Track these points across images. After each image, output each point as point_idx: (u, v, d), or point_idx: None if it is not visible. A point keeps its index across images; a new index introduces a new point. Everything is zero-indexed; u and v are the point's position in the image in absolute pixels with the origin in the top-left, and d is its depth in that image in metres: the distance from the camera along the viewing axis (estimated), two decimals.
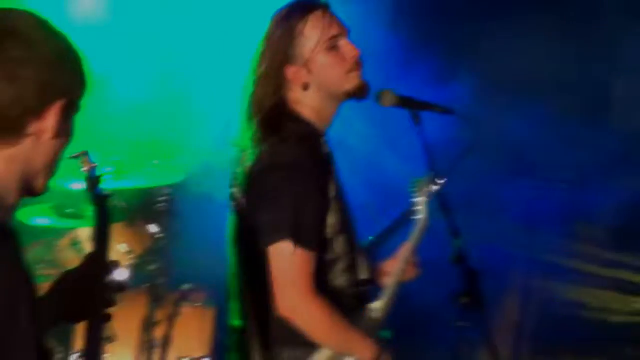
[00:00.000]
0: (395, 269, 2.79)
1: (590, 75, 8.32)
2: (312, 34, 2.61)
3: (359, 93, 2.66)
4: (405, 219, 3.55)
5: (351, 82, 2.62)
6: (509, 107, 7.04)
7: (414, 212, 2.83)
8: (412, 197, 2.83)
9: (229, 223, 2.80)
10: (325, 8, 2.73)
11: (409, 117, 2.55)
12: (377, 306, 2.74)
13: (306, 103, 2.67)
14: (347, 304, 2.66)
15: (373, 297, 2.81)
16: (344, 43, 2.64)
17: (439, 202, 2.41)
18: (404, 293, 2.87)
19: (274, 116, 2.60)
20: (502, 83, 7.62)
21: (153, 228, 5.76)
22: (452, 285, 2.36)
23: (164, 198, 5.85)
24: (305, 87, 2.65)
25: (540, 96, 7.70)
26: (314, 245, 2.45)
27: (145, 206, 5.84)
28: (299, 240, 2.37)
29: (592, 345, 7.86)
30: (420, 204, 2.81)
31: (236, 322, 2.79)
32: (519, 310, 6.78)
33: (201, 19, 6.77)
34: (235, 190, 2.73)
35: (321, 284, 2.50)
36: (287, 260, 2.37)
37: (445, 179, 2.50)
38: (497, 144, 6.95)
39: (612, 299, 9.06)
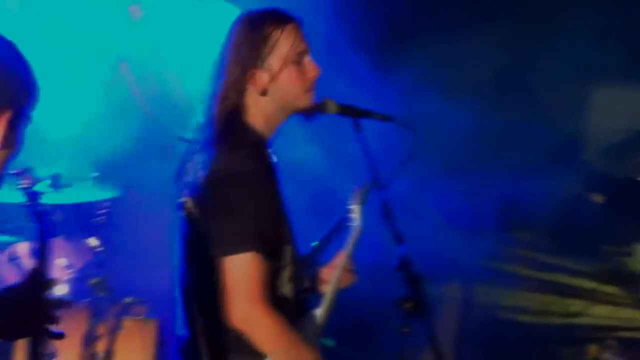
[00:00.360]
0: (333, 276, 2.81)
1: (526, 76, 8.48)
2: (284, 44, 2.61)
3: (309, 112, 2.68)
4: (341, 227, 3.60)
5: (306, 101, 2.63)
6: (443, 109, 7.13)
7: (349, 219, 2.88)
8: (349, 204, 2.86)
9: (176, 232, 2.77)
10: (299, 22, 2.75)
11: (351, 125, 2.59)
12: (317, 314, 2.76)
13: (259, 109, 2.65)
14: (291, 312, 2.67)
15: (313, 304, 2.82)
16: (308, 60, 2.66)
17: (381, 208, 2.43)
18: (350, 300, 2.90)
19: (229, 120, 2.58)
20: (436, 83, 7.73)
21: (92, 241, 5.70)
22: (396, 292, 2.38)
23: (103, 211, 5.80)
24: (263, 93, 2.65)
25: (474, 97, 7.82)
26: (270, 256, 2.46)
27: (84, 220, 5.77)
28: (259, 251, 2.37)
29: (531, 347, 8.02)
30: (356, 211, 2.86)
31: (182, 332, 2.76)
32: (458, 316, 6.87)
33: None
34: (185, 199, 2.69)
35: (269, 292, 2.50)
36: (245, 271, 2.35)
37: (384, 186, 2.52)
38: (433, 148, 7.02)
39: (549, 301, 9.26)
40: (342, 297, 2.85)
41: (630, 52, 16.89)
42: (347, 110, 2.61)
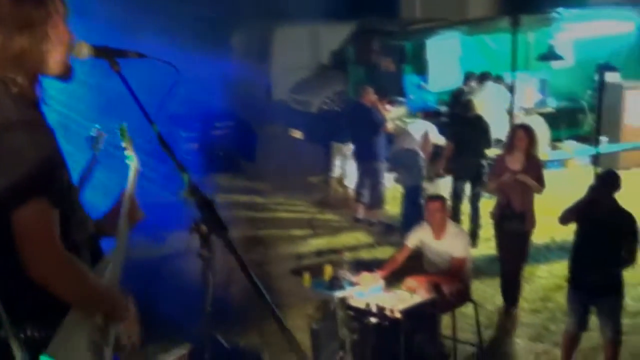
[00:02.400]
0: (120, 218, 2.74)
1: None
2: (59, 5, 2.41)
3: (65, 76, 2.55)
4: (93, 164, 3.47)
5: (62, 67, 2.48)
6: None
7: (125, 157, 2.82)
8: (122, 143, 2.80)
9: None
10: None
11: (109, 66, 2.51)
12: (113, 257, 2.69)
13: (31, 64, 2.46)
14: (85, 258, 2.57)
15: (106, 249, 2.74)
16: (63, 27, 2.49)
17: (158, 141, 2.41)
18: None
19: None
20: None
21: None
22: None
23: None
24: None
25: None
26: (58, 202, 2.33)
27: None
28: (49, 198, 2.23)
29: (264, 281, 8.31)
30: (129, 148, 2.81)
31: None
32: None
33: None
34: None
35: (62, 240, 2.38)
36: (38, 221, 2.22)
37: (154, 120, 2.49)
38: None
39: (277, 235, 9.67)
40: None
41: None
42: (102, 52, 2.54)
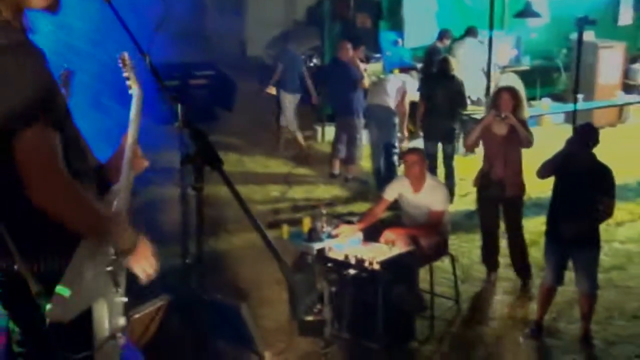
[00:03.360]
0: (124, 164, 2.68)
1: None
2: None
3: (51, 8, 2.48)
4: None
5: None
6: None
7: (128, 87, 2.75)
8: (123, 73, 2.73)
9: None
10: None
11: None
12: (117, 188, 2.65)
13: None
14: (89, 188, 2.52)
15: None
16: None
17: (151, 72, 2.36)
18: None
19: None
20: None
21: None
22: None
23: None
24: None
25: None
26: (58, 125, 2.28)
27: None
28: (49, 121, 2.18)
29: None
30: (132, 77, 2.74)
31: None
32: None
33: None
34: None
35: (73, 170, 2.34)
36: (40, 144, 2.16)
37: (146, 51, 2.44)
38: None
39: (253, 191, 9.65)
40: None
41: None
42: None
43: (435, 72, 9.81)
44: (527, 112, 7.72)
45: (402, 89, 10.08)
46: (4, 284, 2.48)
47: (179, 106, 2.22)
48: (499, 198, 7.29)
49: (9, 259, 2.40)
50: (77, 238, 2.44)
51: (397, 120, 9.96)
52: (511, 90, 7.47)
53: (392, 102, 9.87)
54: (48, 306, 2.37)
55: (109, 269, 2.51)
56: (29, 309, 2.43)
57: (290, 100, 11.63)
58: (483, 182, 7.39)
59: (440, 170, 9.53)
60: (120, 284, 2.56)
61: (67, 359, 2.45)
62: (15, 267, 2.39)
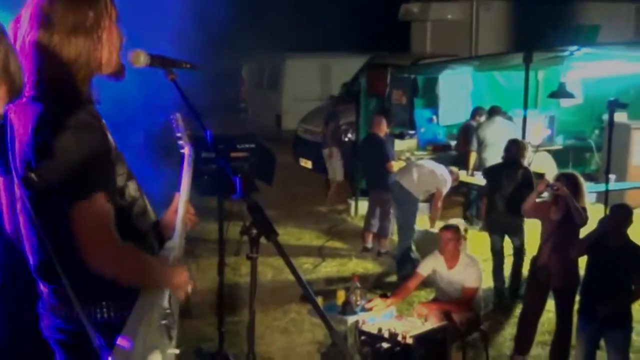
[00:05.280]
0: (178, 221, 2.81)
1: None
2: (111, 9, 2.50)
3: (118, 75, 2.64)
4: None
5: (116, 66, 2.58)
6: None
7: (179, 147, 2.89)
8: (176, 134, 2.87)
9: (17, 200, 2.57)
10: None
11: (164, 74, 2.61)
12: (172, 245, 2.76)
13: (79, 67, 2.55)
14: (152, 244, 2.65)
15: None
16: (115, 28, 2.58)
17: (213, 147, 2.50)
18: None
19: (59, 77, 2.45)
20: None
21: None
22: None
23: None
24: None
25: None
26: (112, 197, 2.42)
27: None
28: (102, 193, 2.32)
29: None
30: (184, 137, 2.87)
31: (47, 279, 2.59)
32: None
33: None
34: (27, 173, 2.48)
35: (124, 230, 2.46)
36: (92, 216, 2.30)
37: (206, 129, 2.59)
38: None
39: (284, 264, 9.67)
40: None
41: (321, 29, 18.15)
42: (157, 61, 2.63)
43: (503, 159, 9.19)
44: (586, 198, 7.31)
45: (434, 185, 9.82)
46: (67, 333, 2.58)
47: (238, 179, 2.36)
48: (546, 285, 6.99)
49: (71, 309, 2.50)
50: (137, 292, 2.55)
51: (418, 206, 9.73)
52: (571, 177, 7.10)
53: (414, 188, 9.52)
54: (109, 359, 2.44)
55: (163, 322, 2.60)
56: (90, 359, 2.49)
57: (335, 152, 12.96)
58: (532, 266, 7.22)
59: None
60: (173, 337, 2.65)
61: None
62: (76, 314, 2.48)
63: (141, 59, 2.62)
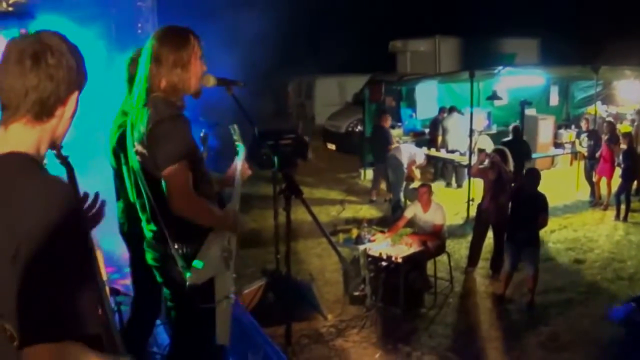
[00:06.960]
0: (237, 173, 2.75)
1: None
2: (197, 50, 2.44)
3: (197, 95, 2.59)
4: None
5: (197, 89, 2.52)
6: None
7: (235, 142, 2.82)
8: (234, 137, 2.79)
9: (133, 170, 2.53)
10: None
11: (224, 90, 2.54)
12: (233, 204, 2.70)
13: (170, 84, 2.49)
14: (213, 201, 2.60)
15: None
16: (200, 62, 2.53)
17: (256, 138, 2.43)
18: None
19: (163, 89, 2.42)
20: None
21: None
22: None
23: None
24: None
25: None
26: (196, 165, 2.38)
27: None
28: (185, 161, 2.28)
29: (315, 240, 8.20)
30: (239, 140, 2.79)
31: (150, 227, 2.56)
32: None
33: None
34: (137, 147, 2.45)
35: (201, 192, 2.41)
36: (179, 177, 2.26)
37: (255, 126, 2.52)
38: None
39: (318, 211, 9.63)
40: None
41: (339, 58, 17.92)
42: (221, 81, 2.57)
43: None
44: (511, 165, 7.42)
45: (411, 158, 9.65)
46: (161, 260, 2.53)
47: (276, 158, 2.28)
48: (486, 221, 6.98)
49: (165, 244, 2.45)
50: (207, 231, 2.48)
51: (404, 170, 9.54)
52: (500, 150, 7.29)
53: (403, 159, 9.49)
54: (188, 274, 2.39)
55: (224, 254, 2.54)
56: (176, 277, 2.45)
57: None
58: (477, 209, 7.16)
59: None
60: (230, 266, 2.58)
61: (199, 308, 2.46)
62: (168, 249, 2.44)
63: (211, 81, 2.53)
